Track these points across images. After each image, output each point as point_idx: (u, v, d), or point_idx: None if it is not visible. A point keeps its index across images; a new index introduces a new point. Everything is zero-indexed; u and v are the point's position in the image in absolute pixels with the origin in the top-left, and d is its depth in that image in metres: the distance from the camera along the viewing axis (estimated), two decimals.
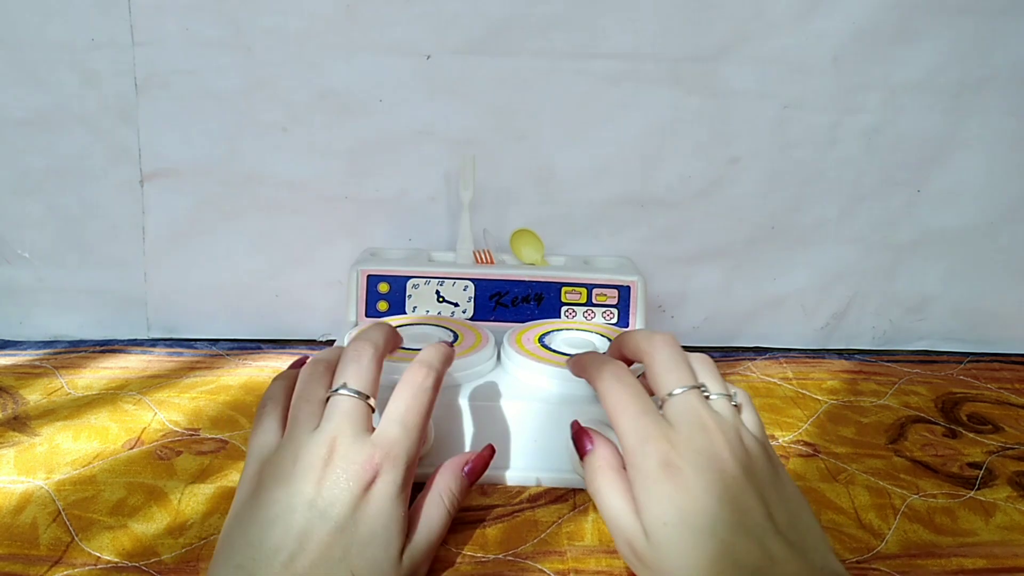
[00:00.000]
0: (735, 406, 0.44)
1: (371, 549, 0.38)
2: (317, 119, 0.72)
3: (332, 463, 0.39)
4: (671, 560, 0.37)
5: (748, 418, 0.44)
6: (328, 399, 0.43)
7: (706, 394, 0.43)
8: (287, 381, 0.47)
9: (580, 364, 0.49)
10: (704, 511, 0.38)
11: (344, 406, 0.42)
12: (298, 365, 0.50)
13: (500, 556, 0.45)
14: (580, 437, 0.46)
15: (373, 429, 0.42)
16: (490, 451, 0.48)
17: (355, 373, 0.43)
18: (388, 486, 0.40)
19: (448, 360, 0.47)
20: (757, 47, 0.72)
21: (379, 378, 0.44)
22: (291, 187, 0.74)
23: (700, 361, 0.46)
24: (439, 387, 0.45)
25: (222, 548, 0.39)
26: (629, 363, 0.47)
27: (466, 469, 0.46)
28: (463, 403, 0.52)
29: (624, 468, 0.42)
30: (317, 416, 0.42)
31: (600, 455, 0.44)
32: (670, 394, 0.42)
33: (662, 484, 0.39)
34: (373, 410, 0.43)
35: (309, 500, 0.38)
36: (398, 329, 0.61)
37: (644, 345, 0.45)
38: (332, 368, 0.45)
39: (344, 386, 0.43)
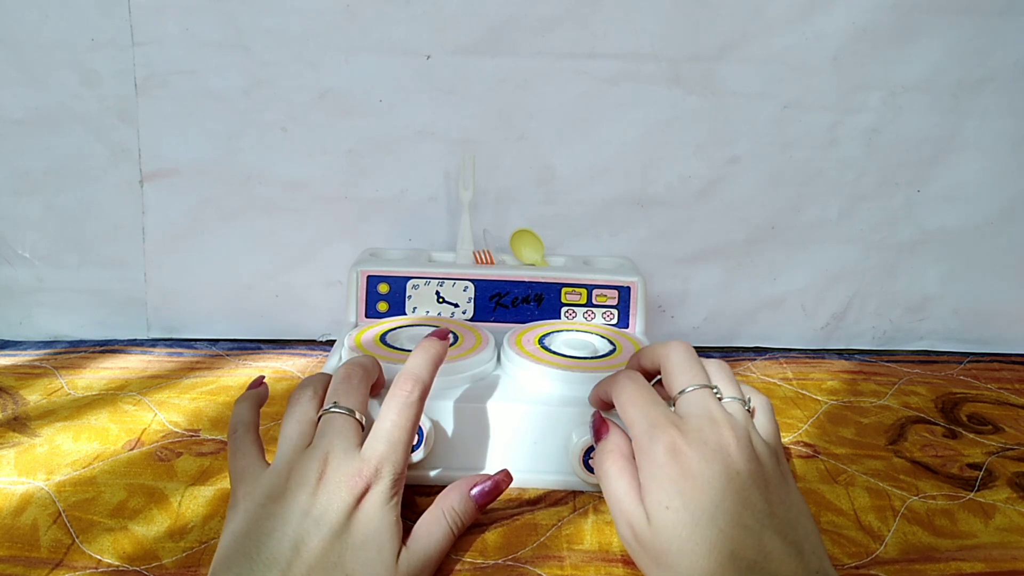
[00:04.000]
0: (748, 411, 0.44)
1: (365, 553, 0.39)
2: (317, 119, 0.72)
3: (325, 476, 0.41)
4: (670, 545, 0.38)
5: (763, 423, 0.45)
6: (320, 418, 0.44)
7: (719, 396, 0.44)
8: (251, 401, 0.49)
9: (596, 391, 0.49)
10: (707, 499, 0.38)
11: (336, 423, 0.43)
12: (256, 384, 0.51)
13: (499, 561, 0.45)
14: (598, 426, 0.47)
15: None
16: (505, 476, 0.48)
17: (344, 392, 0.45)
18: (379, 495, 0.41)
19: (438, 360, 0.47)
20: (757, 47, 0.72)
21: (367, 398, 0.46)
22: (291, 187, 0.74)
23: (716, 366, 0.47)
24: (426, 397, 0.45)
25: (218, 564, 0.39)
26: (649, 377, 0.48)
27: (474, 492, 0.47)
28: (463, 405, 0.52)
29: (634, 457, 0.43)
30: (309, 435, 0.43)
31: (612, 441, 0.45)
32: (682, 391, 0.43)
33: (668, 469, 0.40)
34: (363, 427, 0.44)
35: (304, 510, 0.39)
36: (398, 329, 0.61)
37: (660, 350, 0.47)
38: (320, 392, 0.47)
39: (335, 404, 0.44)
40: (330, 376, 0.48)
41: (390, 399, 0.45)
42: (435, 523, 0.44)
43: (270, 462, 0.43)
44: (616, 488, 0.42)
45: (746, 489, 0.39)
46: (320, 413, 0.44)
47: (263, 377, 0.52)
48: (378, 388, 0.50)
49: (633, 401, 0.43)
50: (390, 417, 0.44)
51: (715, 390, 0.44)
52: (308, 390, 0.46)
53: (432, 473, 0.52)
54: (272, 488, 0.41)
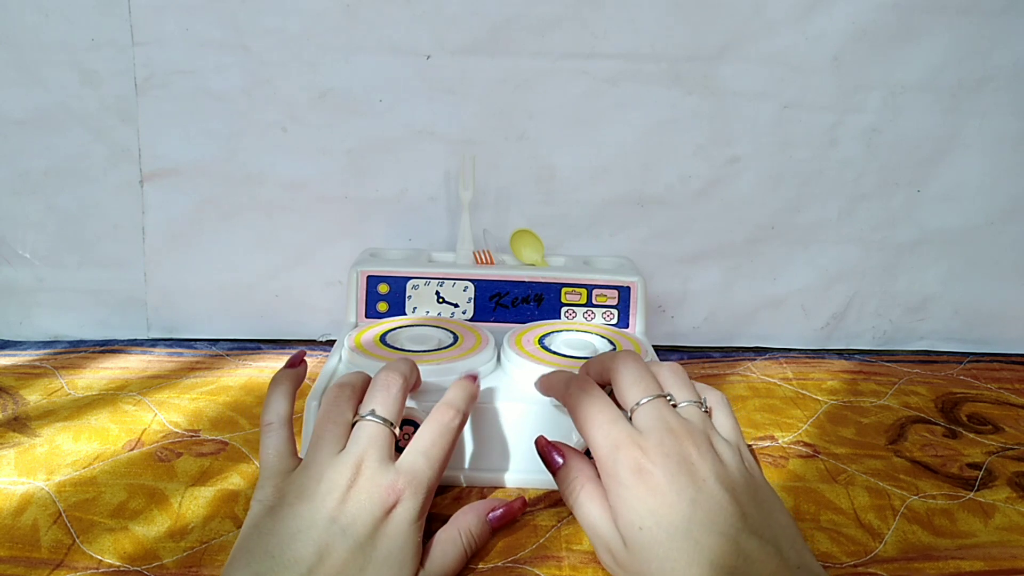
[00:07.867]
0: (706, 411, 0.45)
1: (387, 569, 0.39)
2: (317, 119, 0.72)
3: (357, 484, 0.41)
4: (649, 564, 0.38)
5: (721, 421, 0.45)
6: (355, 423, 0.44)
7: (673, 402, 0.44)
8: (289, 385, 0.47)
9: (548, 383, 0.50)
10: (677, 513, 0.38)
11: (371, 431, 0.43)
12: (296, 362, 0.49)
13: (499, 564, 0.45)
14: (548, 453, 0.47)
15: (395, 456, 0.43)
16: (521, 504, 0.48)
17: (383, 401, 0.45)
18: (408, 512, 0.41)
19: (474, 398, 0.49)
20: (757, 47, 0.72)
21: (404, 409, 0.46)
22: (291, 187, 0.74)
23: (668, 370, 0.47)
24: (463, 428, 0.47)
25: (238, 555, 0.39)
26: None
27: (491, 516, 0.47)
28: None
29: (598, 477, 0.43)
30: (343, 438, 0.43)
31: (573, 467, 0.45)
32: (637, 404, 0.43)
33: (635, 489, 0.40)
34: (397, 439, 0.44)
35: (331, 516, 0.39)
36: (398, 329, 0.61)
37: (608, 363, 0.46)
38: (357, 393, 0.46)
39: (372, 412, 0.44)
40: (368, 376, 0.47)
41: (431, 422, 0.45)
42: (451, 543, 0.44)
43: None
44: (589, 515, 0.42)
45: (715, 496, 0.39)
46: (355, 419, 0.44)
47: (304, 352, 0.51)
48: (414, 389, 0.50)
49: (592, 418, 0.43)
50: (430, 436, 0.44)
51: (668, 397, 0.44)
52: (347, 390, 0.46)
53: None
54: (302, 489, 0.41)
